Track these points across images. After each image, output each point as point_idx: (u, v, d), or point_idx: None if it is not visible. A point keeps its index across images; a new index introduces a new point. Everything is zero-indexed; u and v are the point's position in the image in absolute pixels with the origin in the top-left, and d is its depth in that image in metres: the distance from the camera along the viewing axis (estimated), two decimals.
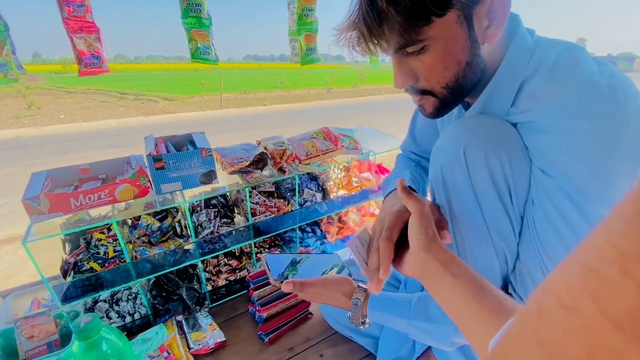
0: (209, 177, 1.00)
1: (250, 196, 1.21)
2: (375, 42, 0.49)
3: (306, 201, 1.33)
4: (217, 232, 1.16)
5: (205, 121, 9.05)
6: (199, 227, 1.14)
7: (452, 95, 0.54)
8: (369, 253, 0.58)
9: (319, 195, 1.34)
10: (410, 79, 0.53)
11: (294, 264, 0.73)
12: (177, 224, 1.10)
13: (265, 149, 1.15)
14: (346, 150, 1.30)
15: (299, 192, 1.26)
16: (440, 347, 0.62)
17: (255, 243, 1.34)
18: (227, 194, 1.28)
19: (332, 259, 0.79)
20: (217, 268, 1.24)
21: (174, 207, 1.10)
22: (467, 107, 0.65)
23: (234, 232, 1.21)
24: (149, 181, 0.95)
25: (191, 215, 1.18)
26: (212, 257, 1.22)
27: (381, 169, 1.61)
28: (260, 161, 1.10)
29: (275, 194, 1.28)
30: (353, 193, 1.41)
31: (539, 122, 0.49)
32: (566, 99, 0.46)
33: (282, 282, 0.64)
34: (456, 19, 0.47)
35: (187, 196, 1.16)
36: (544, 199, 0.50)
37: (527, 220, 0.55)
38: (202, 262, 1.24)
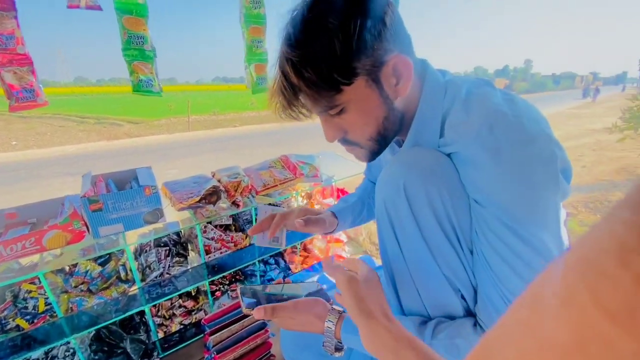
0: (155, 215, 0.93)
1: (204, 231, 1.14)
2: (296, 110, 0.55)
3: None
4: (167, 274, 1.08)
5: (173, 144, 8.78)
6: (147, 269, 1.05)
7: (377, 145, 0.59)
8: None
9: None
10: (339, 133, 0.58)
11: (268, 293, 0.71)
12: (121, 267, 1.00)
13: (219, 181, 1.10)
14: (306, 178, 1.28)
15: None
16: None
17: (214, 280, 1.26)
18: (181, 230, 1.20)
19: (310, 287, 0.76)
20: (171, 311, 1.15)
21: (119, 250, 1.01)
22: (400, 144, 0.66)
23: (189, 271, 1.13)
24: (85, 225, 0.87)
25: (139, 256, 1.10)
26: (166, 300, 1.12)
27: (344, 194, 1.60)
28: (212, 195, 1.05)
29: (233, 227, 1.22)
30: None
31: (462, 153, 0.51)
32: (480, 129, 0.48)
33: (253, 309, 0.61)
34: (365, 84, 0.51)
35: (136, 235, 1.07)
36: (485, 229, 0.50)
37: (476, 251, 0.55)
38: (154, 306, 1.14)
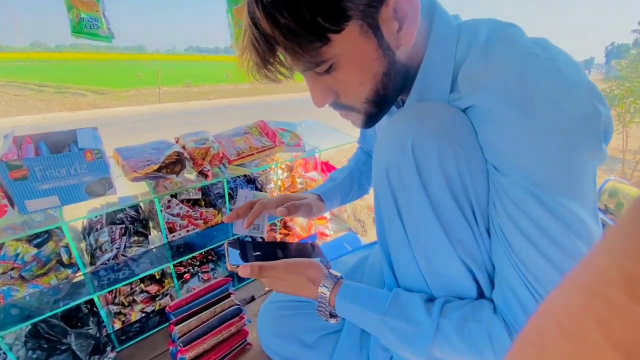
0: (101, 186, 0.76)
1: (168, 207, 0.98)
2: (273, 68, 0.44)
3: None
4: (124, 255, 0.92)
5: (142, 117, 8.21)
6: (98, 250, 0.89)
7: (376, 108, 0.49)
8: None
9: None
10: (329, 96, 0.48)
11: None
12: (63, 249, 0.83)
13: (184, 147, 0.93)
14: (287, 147, 1.13)
15: (230, 198, 1.06)
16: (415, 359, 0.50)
17: (183, 262, 1.11)
18: (140, 205, 1.03)
19: (306, 248, 0.68)
20: (130, 297, 1.00)
21: (56, 227, 0.83)
22: (401, 105, 0.57)
23: (151, 252, 0.97)
24: (7, 197, 0.69)
25: (87, 235, 0.92)
26: (124, 285, 0.97)
27: (328, 167, 1.46)
28: (175, 163, 0.88)
29: (202, 202, 1.07)
30: None
31: (481, 107, 0.43)
32: (508, 77, 0.40)
33: (238, 266, 0.56)
34: (359, 31, 0.41)
35: (85, 211, 0.90)
36: (506, 201, 0.42)
37: (493, 228, 0.46)
38: (111, 293, 0.99)
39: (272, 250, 0.63)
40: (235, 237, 1.04)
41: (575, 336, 0.11)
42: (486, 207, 0.46)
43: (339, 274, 0.57)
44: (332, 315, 0.57)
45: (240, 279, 1.18)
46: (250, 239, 0.77)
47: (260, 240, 0.71)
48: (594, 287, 0.11)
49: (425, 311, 0.47)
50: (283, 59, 0.45)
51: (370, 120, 0.52)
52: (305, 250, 0.68)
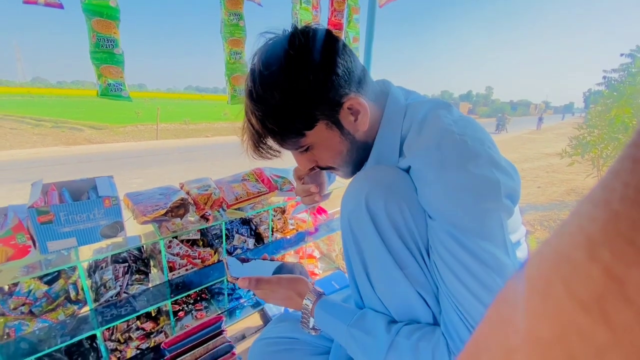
0: (114, 229, 0.86)
1: (168, 247, 1.07)
2: (264, 152, 0.59)
3: (236, 248, 1.22)
4: (125, 292, 0.99)
5: (139, 152, 8.33)
6: (102, 287, 0.96)
7: (350, 168, 0.64)
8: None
9: (250, 241, 1.25)
10: (310, 164, 0.63)
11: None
12: (71, 286, 0.91)
13: (188, 193, 1.05)
14: (280, 192, 1.25)
15: (227, 238, 1.15)
16: None
17: (178, 300, 1.18)
18: (142, 245, 1.12)
19: (296, 268, 0.77)
20: (127, 334, 1.05)
21: (71, 267, 0.91)
22: None
23: (149, 290, 1.04)
24: (31, 238, 0.78)
25: (93, 273, 1.00)
26: (122, 322, 1.02)
27: (318, 210, 1.58)
28: (180, 207, 0.99)
29: (201, 242, 1.16)
30: (288, 236, 1.35)
31: (415, 167, 0.55)
32: (428, 147, 0.52)
33: (237, 278, 0.65)
34: (325, 127, 0.56)
35: (91, 251, 0.98)
36: (437, 243, 0.51)
37: (432, 267, 0.55)
38: (108, 329, 1.04)
39: (265, 267, 0.72)
40: (232, 254, 1.11)
41: (543, 294, 0.12)
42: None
43: (321, 290, 0.66)
44: (314, 328, 0.66)
45: (233, 317, 1.23)
46: (244, 256, 0.84)
47: (254, 258, 0.80)
48: (563, 250, 0.12)
49: (384, 329, 0.56)
50: (272, 144, 0.60)
51: (350, 174, 0.67)
52: (293, 268, 0.77)
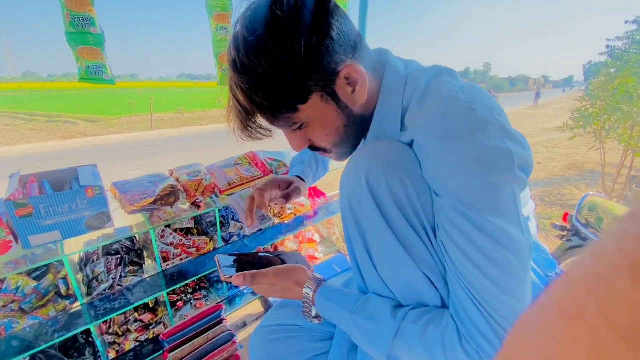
0: (100, 220, 0.81)
1: (162, 236, 1.03)
2: (253, 131, 0.54)
3: (233, 235, 1.19)
4: (119, 285, 0.96)
5: (134, 144, 8.25)
6: (94, 281, 0.93)
7: (345, 148, 0.59)
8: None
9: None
10: (304, 143, 0.58)
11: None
12: (61, 281, 0.87)
13: (178, 180, 1.00)
14: (275, 176, 1.20)
15: (222, 226, 1.11)
16: (378, 358, 0.54)
17: (176, 290, 1.15)
18: (135, 236, 1.08)
19: (294, 257, 0.74)
20: (125, 327, 1.03)
21: (57, 261, 0.87)
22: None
23: (145, 281, 1.01)
24: (12, 233, 0.73)
25: (84, 266, 0.97)
26: (118, 315, 1.00)
27: (316, 192, 1.54)
28: (170, 195, 0.94)
29: (195, 231, 1.12)
30: (287, 221, 1.31)
31: (418, 142, 0.50)
32: (433, 117, 0.48)
33: (231, 276, 0.61)
34: (320, 99, 0.50)
35: (82, 243, 0.94)
36: (444, 221, 0.48)
37: (439, 247, 0.52)
38: (105, 322, 1.01)
39: (259, 260, 0.69)
40: (219, 250, 1.09)
41: (574, 318, 0.11)
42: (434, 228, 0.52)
43: (321, 277, 0.63)
44: (316, 316, 0.62)
45: (233, 305, 1.21)
46: (237, 251, 0.82)
47: (247, 253, 0.77)
48: (600, 272, 0.11)
49: (390, 314, 0.52)
50: (262, 123, 0.54)
51: (344, 155, 0.62)
52: (289, 257, 0.74)
